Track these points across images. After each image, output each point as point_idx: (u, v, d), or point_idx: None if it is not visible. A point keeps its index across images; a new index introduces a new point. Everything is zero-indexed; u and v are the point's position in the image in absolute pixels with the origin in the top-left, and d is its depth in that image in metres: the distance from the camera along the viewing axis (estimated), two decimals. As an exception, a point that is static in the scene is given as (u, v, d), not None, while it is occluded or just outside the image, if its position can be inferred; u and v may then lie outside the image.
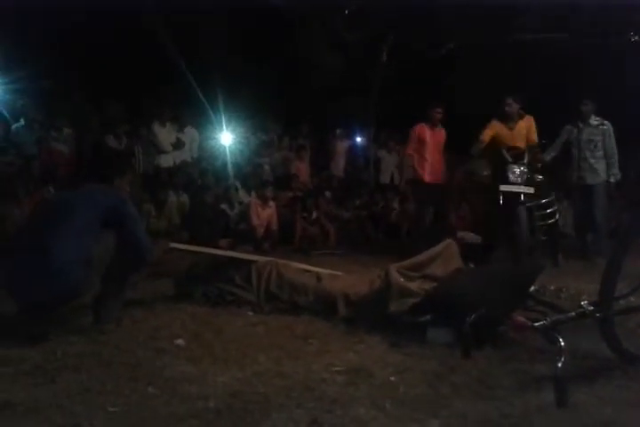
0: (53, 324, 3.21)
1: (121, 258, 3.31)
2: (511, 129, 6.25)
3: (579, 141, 6.68)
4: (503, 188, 5.73)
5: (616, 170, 6.65)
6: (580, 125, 6.68)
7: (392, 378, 2.61)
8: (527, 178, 5.75)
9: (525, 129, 6.26)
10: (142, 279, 4.42)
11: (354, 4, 10.29)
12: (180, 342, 3.13)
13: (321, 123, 11.05)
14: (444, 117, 7.19)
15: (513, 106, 6.22)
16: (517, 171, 5.72)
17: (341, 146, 10.61)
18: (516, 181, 5.70)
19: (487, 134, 6.26)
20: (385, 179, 10.50)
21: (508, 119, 6.27)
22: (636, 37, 10.43)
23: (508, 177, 5.72)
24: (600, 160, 6.62)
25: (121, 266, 3.34)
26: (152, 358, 2.83)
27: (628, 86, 9.37)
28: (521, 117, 6.28)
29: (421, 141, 7.09)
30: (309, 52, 11.16)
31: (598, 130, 6.62)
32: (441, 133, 7.23)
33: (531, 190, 5.72)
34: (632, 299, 3.18)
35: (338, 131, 10.67)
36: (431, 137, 7.10)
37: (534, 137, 6.25)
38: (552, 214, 6.10)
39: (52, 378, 2.55)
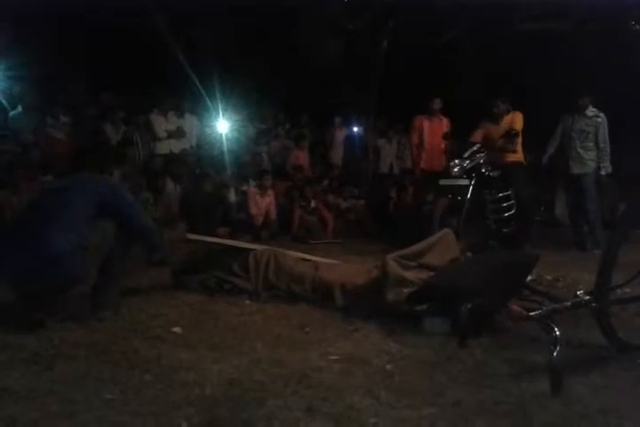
0: (51, 311, 3.21)
1: (121, 246, 3.32)
2: (498, 125, 6.42)
3: (571, 131, 6.75)
4: (442, 182, 6.06)
5: (607, 163, 6.69)
6: (576, 116, 6.72)
7: (388, 366, 2.62)
8: (467, 170, 5.93)
9: (509, 121, 6.35)
10: (140, 267, 4.43)
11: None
12: (177, 330, 3.14)
13: (320, 111, 11.00)
14: (444, 106, 7.44)
15: (501, 107, 6.38)
16: (457, 166, 5.95)
17: (340, 135, 10.58)
18: (455, 174, 5.93)
19: (478, 135, 6.44)
20: (384, 168, 10.48)
21: (496, 119, 6.44)
22: (638, 26, 10.36)
23: (449, 172, 6.00)
24: (589, 151, 6.67)
25: (119, 254, 3.35)
26: (149, 346, 2.84)
27: (630, 76, 9.33)
28: (507, 113, 6.41)
29: (420, 131, 7.35)
30: (309, 40, 11.08)
31: (592, 121, 6.67)
32: (440, 123, 7.43)
33: (465, 182, 5.89)
34: (628, 289, 3.20)
35: (337, 119, 10.63)
36: (429, 127, 7.40)
37: (515, 126, 6.27)
38: (508, 208, 6.17)
39: (49, 365, 2.56)
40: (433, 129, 7.38)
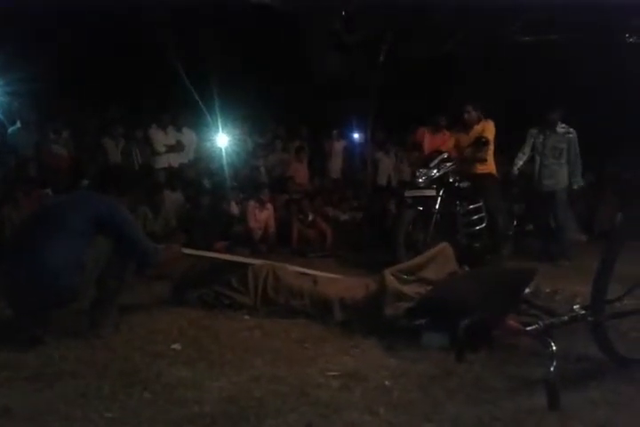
0: (50, 329, 3.22)
1: (118, 262, 3.34)
2: (467, 133, 6.29)
3: (543, 148, 6.69)
4: (408, 193, 5.86)
5: (579, 177, 6.66)
6: (547, 132, 6.68)
7: (386, 382, 2.63)
8: (435, 180, 5.78)
9: (480, 130, 6.20)
10: (139, 283, 4.44)
11: (352, 5, 10.30)
12: (176, 346, 3.15)
13: (319, 124, 11.05)
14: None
15: (472, 113, 6.24)
16: (423, 175, 5.80)
17: (338, 147, 10.62)
18: (421, 185, 5.77)
19: (448, 143, 6.39)
20: (382, 181, 10.51)
21: (466, 126, 6.32)
22: (633, 39, 10.44)
23: (415, 183, 5.84)
24: (563, 167, 6.64)
25: (117, 270, 3.36)
26: (148, 363, 2.84)
27: (627, 87, 9.39)
28: (478, 122, 6.27)
29: (420, 145, 7.25)
30: (307, 54, 11.15)
31: (564, 138, 6.63)
32: (443, 138, 7.31)
33: (432, 193, 5.72)
34: (625, 302, 3.20)
35: (334, 132, 10.68)
36: (430, 141, 7.25)
37: (485, 134, 6.11)
38: (479, 220, 6.05)
39: (50, 383, 2.57)
40: (434, 143, 7.27)
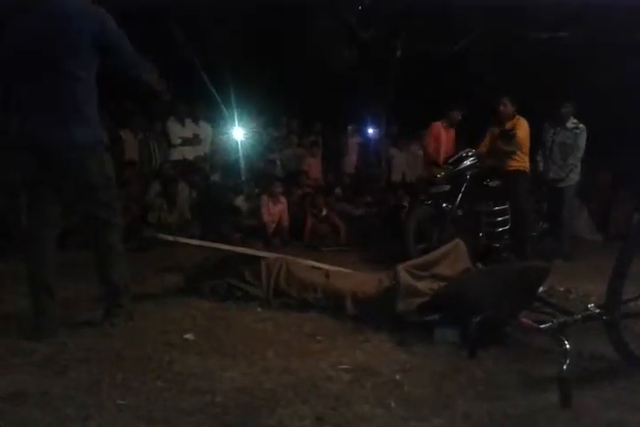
0: (64, 316, 3.25)
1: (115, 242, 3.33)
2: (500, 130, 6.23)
3: (552, 143, 6.65)
4: (430, 190, 5.88)
5: (575, 173, 6.62)
6: (558, 128, 6.63)
7: (397, 377, 2.63)
8: (454, 176, 5.76)
9: (511, 126, 6.13)
10: (152, 274, 4.47)
11: (368, 0, 10.28)
12: (189, 336, 3.17)
13: (333, 119, 11.04)
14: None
15: (508, 106, 6.15)
16: (441, 171, 5.84)
17: (353, 143, 10.62)
18: (439, 181, 5.78)
19: (485, 144, 6.30)
20: (396, 177, 10.50)
21: (500, 120, 6.23)
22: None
23: (433, 179, 5.89)
24: (571, 163, 6.58)
25: (117, 250, 3.35)
26: (161, 352, 2.86)
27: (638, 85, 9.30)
28: (512, 118, 6.19)
29: (437, 140, 7.19)
30: (322, 49, 11.14)
31: (572, 133, 6.58)
32: (453, 134, 7.31)
33: (447, 188, 5.70)
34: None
35: (350, 127, 10.68)
36: (446, 136, 7.20)
37: (516, 130, 6.04)
38: (503, 223, 6.01)
39: (63, 370, 2.59)
40: (449, 139, 7.24)
